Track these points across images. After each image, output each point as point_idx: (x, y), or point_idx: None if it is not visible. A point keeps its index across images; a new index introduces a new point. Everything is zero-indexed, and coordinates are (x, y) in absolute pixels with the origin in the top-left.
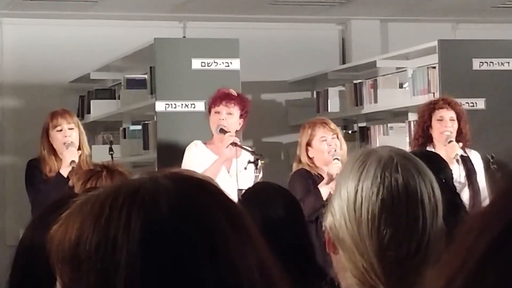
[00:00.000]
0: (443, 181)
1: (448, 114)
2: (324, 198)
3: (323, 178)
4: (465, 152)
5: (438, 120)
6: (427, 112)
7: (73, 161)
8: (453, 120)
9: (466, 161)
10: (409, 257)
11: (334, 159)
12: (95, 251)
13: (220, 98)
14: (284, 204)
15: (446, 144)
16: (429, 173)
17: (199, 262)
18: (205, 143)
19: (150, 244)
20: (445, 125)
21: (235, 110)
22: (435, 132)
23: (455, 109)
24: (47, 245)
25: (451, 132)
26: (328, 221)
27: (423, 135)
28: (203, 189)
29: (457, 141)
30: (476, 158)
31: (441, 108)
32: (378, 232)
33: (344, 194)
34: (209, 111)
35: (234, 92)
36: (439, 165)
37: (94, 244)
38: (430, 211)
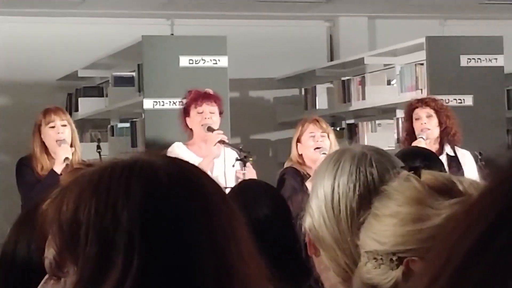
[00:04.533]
0: None
1: (423, 111)
2: None
3: (310, 177)
4: (454, 151)
5: (416, 119)
6: (407, 114)
7: (67, 158)
8: (430, 116)
9: (451, 162)
10: None
11: (321, 154)
12: (95, 214)
13: (202, 98)
14: (271, 203)
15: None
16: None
17: (196, 225)
18: (185, 145)
19: (150, 208)
20: (421, 122)
21: (216, 109)
22: (416, 132)
23: (430, 105)
24: (39, 219)
25: (428, 129)
26: (307, 222)
27: (409, 136)
28: (194, 166)
29: (441, 137)
30: (467, 158)
31: (416, 107)
32: (358, 227)
33: (321, 193)
34: (187, 112)
35: (211, 91)
36: (435, 166)
37: (93, 209)
38: None
